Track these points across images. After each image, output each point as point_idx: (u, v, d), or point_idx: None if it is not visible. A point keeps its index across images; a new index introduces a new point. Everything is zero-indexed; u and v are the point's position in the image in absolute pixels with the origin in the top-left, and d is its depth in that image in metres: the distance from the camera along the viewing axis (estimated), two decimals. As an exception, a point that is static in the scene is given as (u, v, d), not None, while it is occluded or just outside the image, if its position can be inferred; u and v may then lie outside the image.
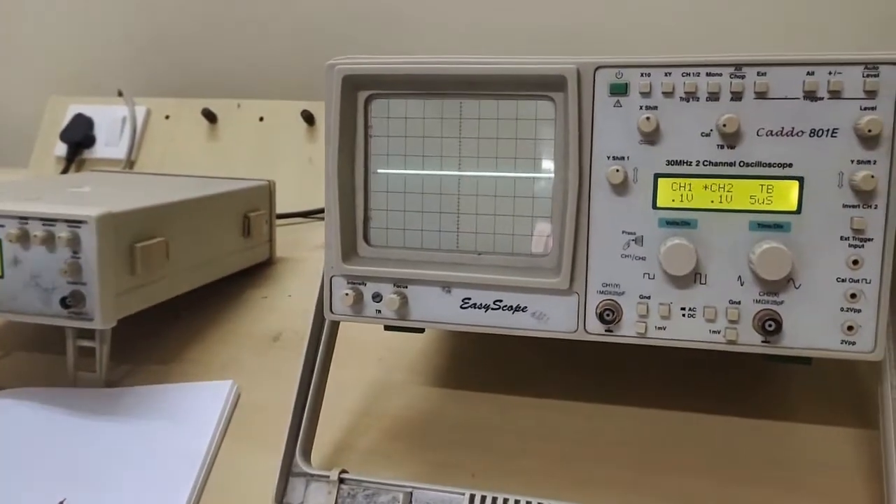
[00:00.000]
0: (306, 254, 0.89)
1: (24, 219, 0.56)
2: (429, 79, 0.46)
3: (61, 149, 1.11)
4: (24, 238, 0.56)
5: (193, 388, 0.61)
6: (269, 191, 0.84)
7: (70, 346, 0.61)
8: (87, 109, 1.12)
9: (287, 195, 0.93)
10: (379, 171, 0.48)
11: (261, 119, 1.07)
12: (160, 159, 1.09)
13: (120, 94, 1.14)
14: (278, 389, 0.61)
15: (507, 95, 0.45)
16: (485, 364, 0.63)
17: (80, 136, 1.10)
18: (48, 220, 0.56)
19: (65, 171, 1.09)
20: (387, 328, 0.49)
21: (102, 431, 0.56)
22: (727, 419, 0.53)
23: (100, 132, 1.11)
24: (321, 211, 0.98)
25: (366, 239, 0.48)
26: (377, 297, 0.47)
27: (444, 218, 0.47)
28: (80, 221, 0.56)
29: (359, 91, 0.47)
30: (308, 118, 1.04)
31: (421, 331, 0.50)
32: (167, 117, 1.11)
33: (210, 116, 1.08)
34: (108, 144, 1.10)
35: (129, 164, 1.09)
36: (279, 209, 0.87)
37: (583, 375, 0.59)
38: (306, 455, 0.49)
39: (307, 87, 1.12)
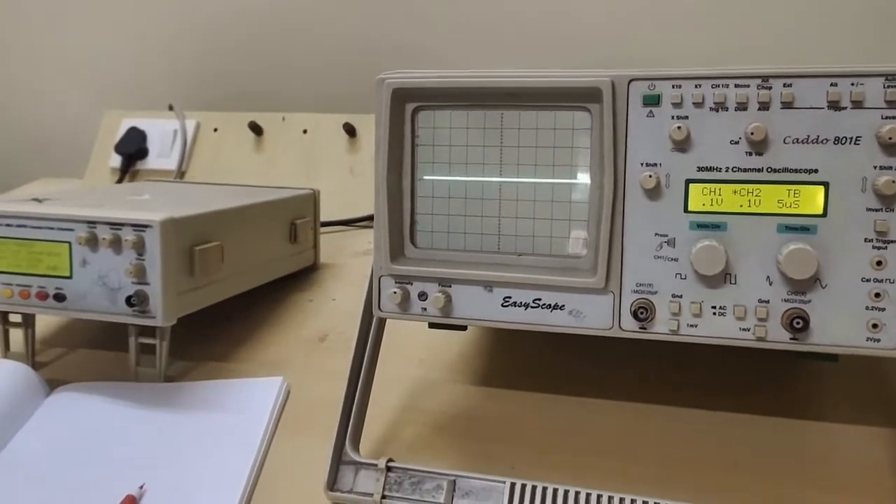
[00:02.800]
0: (348, 260, 0.93)
1: (92, 223, 0.61)
2: (472, 91, 0.49)
3: (116, 160, 1.17)
4: (92, 241, 0.61)
5: (247, 383, 0.65)
6: (313, 199, 0.88)
7: (132, 343, 0.65)
8: (140, 123, 1.18)
9: (330, 204, 0.97)
10: (425, 177, 0.51)
11: (304, 131, 1.12)
12: (209, 170, 1.14)
13: (171, 108, 1.20)
14: (326, 386, 0.65)
15: (545, 106, 0.48)
16: (521, 365, 0.65)
17: (133, 149, 1.15)
18: (115, 225, 0.60)
19: (119, 182, 1.14)
20: (431, 325, 0.53)
21: (164, 423, 0.60)
22: (757, 418, 0.55)
23: (152, 144, 1.16)
24: (363, 219, 1.02)
25: (412, 241, 0.51)
26: (423, 296, 0.50)
27: (485, 221, 0.50)
28: (144, 226, 0.60)
29: (406, 103, 0.50)
30: (349, 130, 1.09)
31: (463, 328, 0.53)
32: (215, 130, 1.16)
33: (256, 129, 1.13)
34: (161, 156, 1.15)
35: (180, 174, 1.14)
36: (322, 217, 0.91)
37: (616, 375, 0.61)
38: (355, 445, 0.53)
39: (349, 101, 1.16)
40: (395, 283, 0.51)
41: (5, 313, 0.66)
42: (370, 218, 1.02)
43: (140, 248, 0.60)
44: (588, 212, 0.48)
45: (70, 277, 0.62)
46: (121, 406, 0.62)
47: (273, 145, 1.12)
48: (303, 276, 0.87)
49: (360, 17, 1.20)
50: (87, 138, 1.31)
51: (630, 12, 1.09)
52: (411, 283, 0.50)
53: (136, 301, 0.60)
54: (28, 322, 0.67)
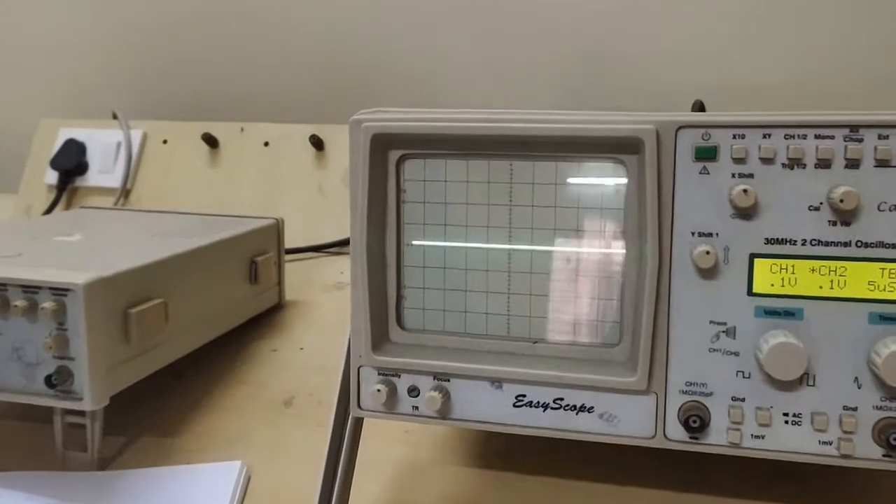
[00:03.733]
0: (318, 296, 0.82)
1: (2, 285, 0.49)
2: (473, 138, 0.39)
3: (52, 176, 1.04)
4: (3, 306, 0.49)
5: (197, 470, 0.54)
6: (277, 230, 0.77)
7: (58, 425, 0.54)
8: (80, 134, 1.05)
9: (295, 226, 0.86)
10: (414, 242, 0.41)
11: (266, 144, 1.00)
12: (158, 188, 1.01)
13: (115, 116, 1.07)
14: (293, 470, 0.55)
15: (567, 157, 0.38)
16: (523, 439, 0.56)
17: (71, 164, 1.02)
18: (30, 288, 0.49)
19: (56, 201, 1.02)
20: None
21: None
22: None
23: (93, 158, 1.04)
24: (334, 245, 0.91)
25: (399, 322, 0.41)
26: (413, 392, 0.40)
27: (492, 298, 0.40)
28: (65, 289, 0.49)
29: (390, 150, 0.40)
30: (317, 143, 0.97)
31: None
32: (165, 142, 1.04)
33: (211, 141, 1.01)
34: (102, 171, 1.03)
35: (125, 192, 1.02)
36: (287, 242, 0.80)
37: (635, 456, 0.52)
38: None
39: (315, 110, 1.05)
40: (379, 376, 0.40)
41: None
42: (342, 243, 0.91)
43: (61, 315, 0.49)
44: (623, 290, 0.38)
45: None
46: (50, 500, 0.51)
47: (230, 159, 1.01)
48: (265, 319, 0.76)
49: (326, 13, 1.08)
50: (18, 149, 1.17)
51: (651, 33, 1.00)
52: (398, 376, 0.40)
53: (58, 380, 0.49)
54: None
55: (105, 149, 1.03)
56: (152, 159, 1.03)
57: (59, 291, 0.49)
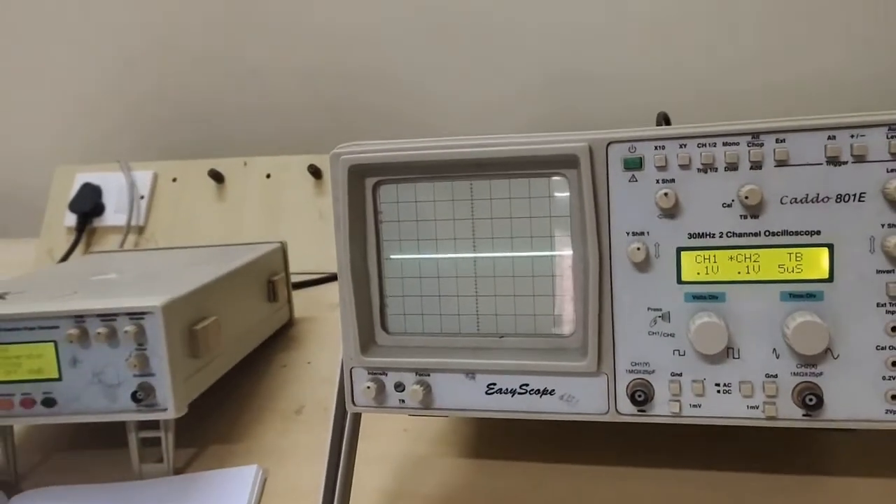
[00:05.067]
0: (323, 314, 0.89)
1: (80, 317, 0.55)
2: (436, 163, 0.45)
3: (71, 219, 1.11)
4: (83, 337, 0.55)
5: (217, 476, 0.60)
6: (283, 252, 0.83)
7: (134, 440, 0.59)
8: (95, 178, 1.12)
9: (299, 251, 0.92)
10: (392, 256, 0.47)
11: (268, 176, 1.07)
12: (170, 224, 1.08)
13: (118, 162, 1.14)
14: (305, 468, 0.60)
15: (517, 174, 0.44)
16: (512, 430, 0.61)
17: (88, 206, 1.10)
18: (108, 316, 0.55)
19: (76, 242, 1.09)
20: (413, 415, 0.48)
21: (129, 530, 0.55)
22: (764, 476, 0.51)
23: (109, 199, 1.11)
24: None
25: (384, 327, 0.47)
26: (400, 387, 0.46)
27: (462, 301, 0.46)
28: (143, 313, 0.55)
29: (366, 178, 0.46)
30: (315, 172, 1.04)
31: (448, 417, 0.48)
32: (174, 180, 1.11)
33: (217, 177, 1.08)
34: (118, 211, 1.10)
35: (139, 230, 1.09)
36: (292, 266, 0.86)
37: (612, 438, 0.57)
38: (339, 546, 0.48)
39: (312, 142, 1.11)
40: (369, 374, 0.46)
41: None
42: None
43: (140, 337, 0.55)
44: (573, 286, 0.44)
45: (59, 379, 0.56)
46: (82, 512, 0.57)
47: (235, 193, 1.07)
48: (276, 336, 0.82)
49: (317, 51, 1.15)
50: (40, 195, 1.25)
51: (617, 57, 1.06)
52: (385, 374, 0.46)
53: (143, 395, 0.55)
54: (5, 433, 0.61)
55: (120, 190, 1.11)
56: (164, 197, 1.10)
57: (137, 315, 0.55)
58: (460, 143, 0.44)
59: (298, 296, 0.89)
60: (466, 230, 0.45)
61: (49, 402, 0.57)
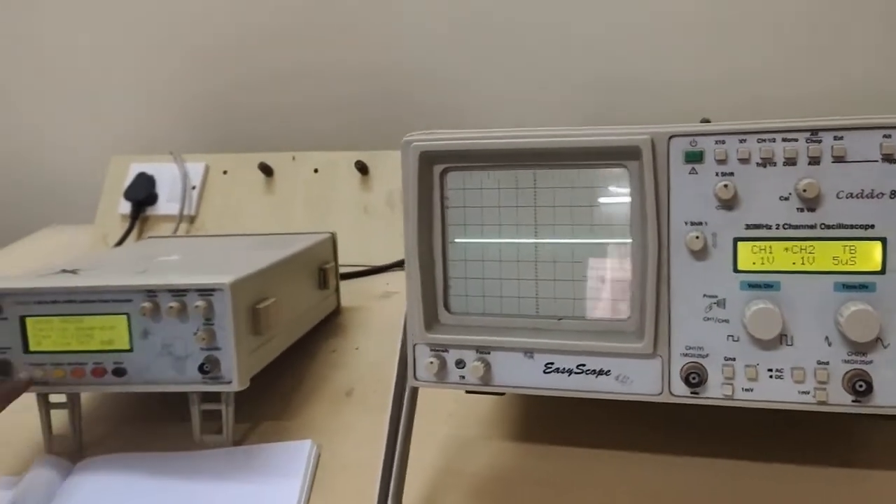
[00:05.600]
0: (369, 303, 0.91)
1: (152, 292, 0.59)
2: (503, 152, 0.47)
3: (125, 206, 1.15)
4: (155, 311, 0.59)
5: (275, 449, 0.62)
6: (333, 242, 0.86)
7: (195, 412, 0.63)
8: (149, 168, 1.16)
9: (344, 244, 0.95)
10: (456, 240, 0.49)
11: (315, 171, 1.10)
12: (219, 214, 1.12)
13: (171, 153, 1.18)
14: (356, 447, 0.63)
15: (580, 165, 0.46)
16: (558, 417, 0.63)
17: (142, 195, 1.14)
18: (179, 291, 0.58)
19: (130, 229, 1.13)
20: (469, 392, 0.51)
21: (190, 495, 0.58)
22: (815, 469, 0.52)
23: (161, 189, 1.15)
24: (386, 268, 1.00)
25: (446, 307, 0.49)
26: (460, 364, 0.48)
27: (522, 284, 0.48)
28: (213, 289, 0.58)
29: (434, 165, 0.49)
30: (362, 168, 1.07)
31: (501, 393, 0.51)
32: (225, 172, 1.15)
33: (266, 170, 1.11)
34: (170, 201, 1.14)
35: (190, 219, 1.13)
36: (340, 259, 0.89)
37: (663, 425, 0.59)
38: (396, 516, 0.50)
39: (359, 138, 1.15)
40: (431, 351, 0.49)
41: (45, 395, 0.63)
42: (392, 266, 1.00)
43: (209, 312, 0.58)
44: (631, 272, 0.46)
45: (130, 350, 0.60)
46: (144, 477, 0.60)
47: (284, 186, 1.11)
48: (325, 324, 0.85)
49: (368, 50, 1.18)
50: (95, 183, 1.30)
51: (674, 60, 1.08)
52: (447, 351, 0.48)
53: (209, 368, 0.59)
54: (73, 401, 0.64)
55: (172, 181, 1.15)
56: (215, 188, 1.14)
57: (207, 292, 0.58)
58: (527, 134, 0.46)
59: (344, 287, 0.92)
60: (529, 217, 0.48)
61: (119, 372, 0.60)
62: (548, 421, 0.63)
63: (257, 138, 1.23)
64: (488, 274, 0.49)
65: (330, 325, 0.85)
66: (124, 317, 0.60)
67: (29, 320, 0.61)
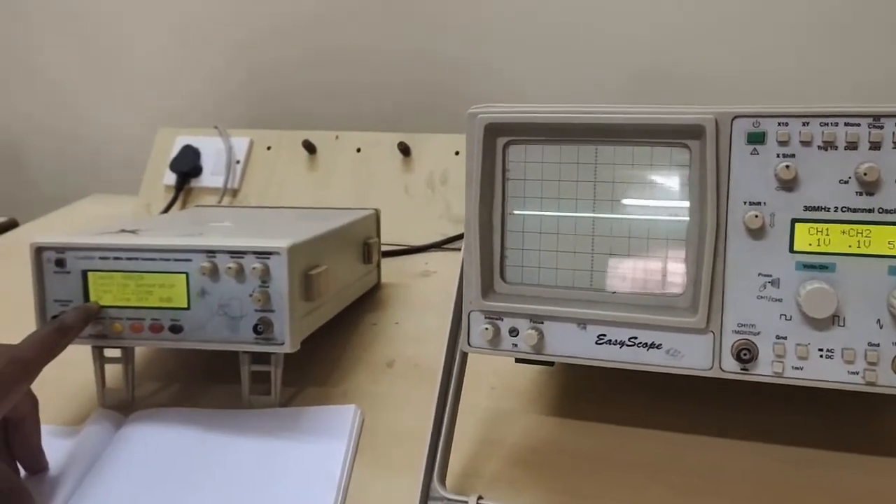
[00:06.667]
0: (407, 280, 0.93)
1: (212, 252, 0.61)
2: (566, 126, 0.48)
3: (170, 178, 1.18)
4: (213, 271, 0.61)
5: (320, 411, 0.64)
6: (376, 218, 0.88)
7: (245, 372, 0.65)
8: (195, 141, 1.19)
9: (384, 222, 0.97)
10: (515, 212, 0.50)
11: (358, 150, 1.12)
12: (262, 188, 1.14)
13: (216, 127, 1.20)
14: (397, 414, 0.65)
15: (641, 142, 0.47)
16: (596, 393, 0.65)
17: (188, 167, 1.16)
18: (237, 253, 0.60)
19: (174, 199, 1.15)
20: (518, 360, 0.52)
21: (237, 452, 0.60)
22: (859, 457, 0.53)
23: (206, 162, 1.17)
24: (425, 248, 1.01)
25: (502, 276, 0.51)
26: (513, 332, 0.50)
27: (578, 258, 0.49)
28: (270, 253, 0.60)
29: (498, 137, 0.50)
30: (404, 149, 1.08)
31: (551, 364, 0.52)
32: (269, 148, 1.17)
33: (309, 147, 1.13)
34: (214, 174, 1.16)
35: (233, 192, 1.15)
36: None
37: (702, 406, 0.60)
38: (443, 481, 0.52)
39: (402, 119, 1.16)
40: (486, 318, 0.50)
41: (100, 348, 0.66)
42: (431, 246, 1.02)
43: (265, 275, 0.60)
44: (685, 250, 0.47)
45: (188, 309, 0.62)
46: (193, 431, 0.62)
47: (326, 164, 1.13)
48: (365, 298, 0.87)
49: (413, 33, 1.20)
50: (136, 155, 1.33)
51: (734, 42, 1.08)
52: (502, 319, 0.50)
53: (262, 329, 0.61)
54: (128, 357, 0.67)
55: (217, 154, 1.17)
56: (258, 163, 1.16)
57: (264, 255, 0.60)
58: (591, 110, 0.47)
59: (384, 264, 0.93)
60: (587, 192, 0.49)
61: (176, 329, 0.63)
62: (588, 397, 0.64)
63: (301, 116, 1.25)
64: (545, 246, 0.50)
65: (371, 299, 0.87)
66: (183, 276, 0.62)
67: (91, 275, 0.63)
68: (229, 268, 0.60)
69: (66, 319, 0.59)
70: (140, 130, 1.36)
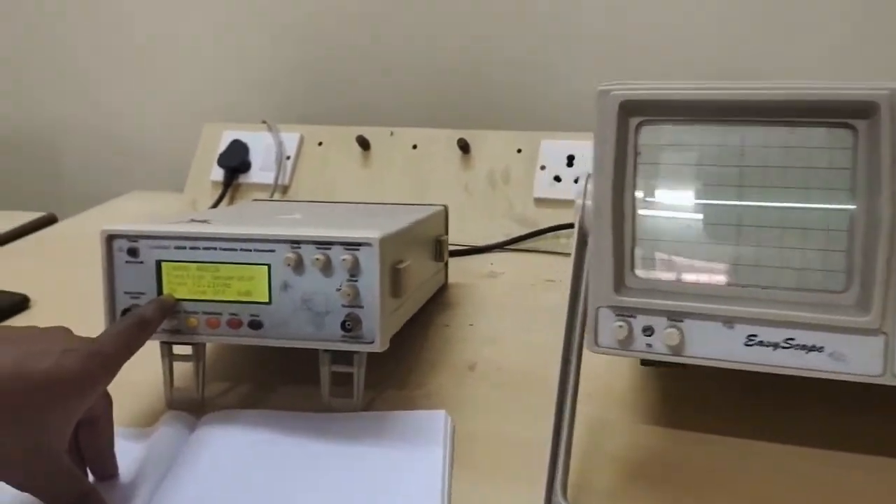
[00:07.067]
0: (475, 281, 0.89)
1: (296, 243, 0.56)
2: (709, 105, 0.44)
3: (217, 174, 1.14)
4: (298, 263, 0.56)
5: (410, 416, 0.60)
6: (445, 216, 0.83)
7: (326, 372, 0.60)
8: (243, 136, 1.15)
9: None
10: (648, 199, 0.46)
11: (414, 147, 1.08)
12: (313, 185, 1.10)
13: (265, 122, 1.17)
14: (487, 420, 0.60)
15: (797, 122, 0.43)
16: (702, 402, 0.60)
17: (236, 162, 1.12)
18: (324, 244, 0.56)
19: (222, 195, 1.11)
20: (645, 363, 0.47)
21: (325, 456, 0.56)
22: None
23: (255, 158, 1.13)
24: (490, 248, 0.97)
25: (633, 269, 0.46)
26: (648, 331, 0.45)
27: (720, 249, 0.45)
28: (360, 244, 0.55)
29: (631, 117, 0.46)
30: (463, 146, 1.04)
31: (682, 367, 0.47)
32: (320, 144, 1.13)
33: (363, 143, 1.09)
34: (263, 169, 1.12)
35: (283, 189, 1.11)
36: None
37: (827, 417, 0.55)
38: (565, 494, 0.47)
39: (460, 116, 1.12)
40: (617, 315, 0.46)
41: (169, 344, 0.61)
42: (494, 247, 0.97)
43: (355, 268, 0.56)
44: (847, 241, 0.42)
45: (269, 303, 0.57)
46: (273, 435, 0.58)
47: (380, 160, 1.09)
48: (433, 298, 0.82)
49: (471, 28, 1.16)
50: (174, 151, 1.29)
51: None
52: (634, 317, 0.45)
53: (351, 325, 0.56)
54: (199, 354, 0.62)
55: (266, 149, 1.13)
56: (309, 160, 1.12)
57: (353, 246, 0.55)
58: (741, 86, 0.43)
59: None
60: (732, 177, 0.44)
61: (255, 325, 0.58)
62: (690, 405, 0.60)
63: (353, 111, 1.21)
64: (682, 236, 0.45)
65: (439, 299, 0.83)
66: (265, 267, 0.57)
67: (165, 265, 0.59)
68: (317, 259, 0.56)
69: (145, 313, 0.55)
70: (179, 126, 1.33)
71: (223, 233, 0.58)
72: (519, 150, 1.03)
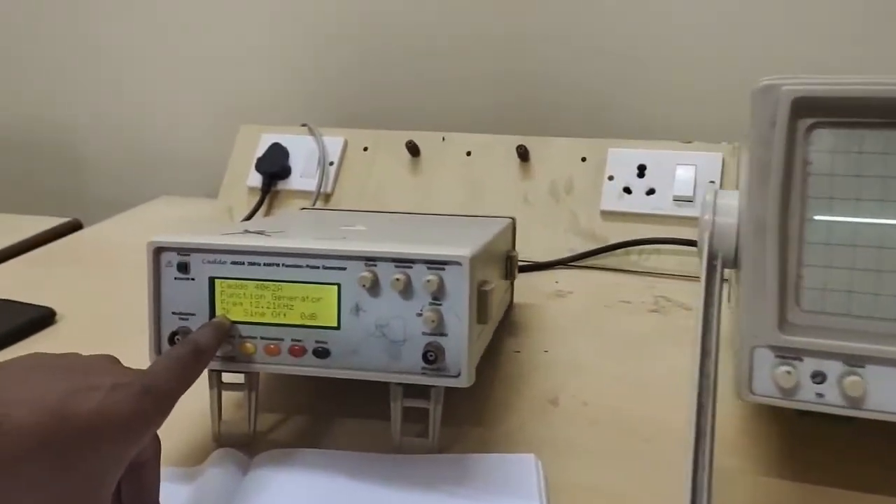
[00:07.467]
0: (542, 301, 0.81)
1: (372, 260, 0.49)
2: (898, 105, 0.36)
3: (254, 179, 1.07)
4: (373, 283, 0.49)
5: (496, 460, 0.52)
6: (513, 229, 0.76)
7: (397, 409, 0.52)
8: (283, 139, 1.08)
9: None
10: (818, 217, 0.38)
11: (468, 153, 1.00)
12: (359, 192, 1.03)
13: (305, 125, 1.10)
14: (579, 465, 0.52)
15: None
16: (829, 448, 0.52)
17: (276, 167, 1.05)
18: (404, 262, 0.48)
19: (261, 202, 1.04)
20: (803, 414, 0.39)
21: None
22: None
23: (295, 163, 1.06)
24: (556, 264, 0.89)
25: (797, 302, 0.38)
26: (818, 377, 0.37)
27: (910, 280, 0.37)
28: (447, 262, 0.48)
29: (800, 119, 0.38)
30: (522, 154, 0.97)
31: (849, 420, 0.39)
32: (365, 149, 1.06)
33: (413, 149, 1.02)
34: (304, 176, 1.05)
35: (325, 197, 1.04)
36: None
37: None
38: (710, 572, 0.39)
39: (521, 121, 1.04)
40: (776, 358, 0.38)
41: (219, 372, 0.54)
42: (558, 263, 0.90)
43: (439, 290, 0.48)
44: None
45: (337, 328, 0.50)
46: (339, 478, 0.50)
47: (431, 168, 1.01)
48: (502, 320, 0.74)
49: (531, 26, 1.08)
50: (204, 155, 1.22)
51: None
52: (801, 359, 0.37)
53: (434, 356, 0.48)
54: (252, 383, 0.54)
55: (308, 155, 1.06)
56: (353, 165, 1.05)
57: (439, 265, 0.48)
58: (947, 83, 0.35)
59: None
60: (926, 193, 0.36)
61: (321, 353, 0.51)
62: (811, 454, 0.51)
63: (400, 115, 1.14)
64: (860, 264, 0.37)
65: (505, 322, 0.75)
66: (334, 287, 0.50)
67: (219, 283, 0.51)
68: (397, 279, 0.48)
69: (200, 339, 0.48)
70: (211, 127, 1.26)
71: (290, 247, 0.50)
72: (584, 159, 0.95)
